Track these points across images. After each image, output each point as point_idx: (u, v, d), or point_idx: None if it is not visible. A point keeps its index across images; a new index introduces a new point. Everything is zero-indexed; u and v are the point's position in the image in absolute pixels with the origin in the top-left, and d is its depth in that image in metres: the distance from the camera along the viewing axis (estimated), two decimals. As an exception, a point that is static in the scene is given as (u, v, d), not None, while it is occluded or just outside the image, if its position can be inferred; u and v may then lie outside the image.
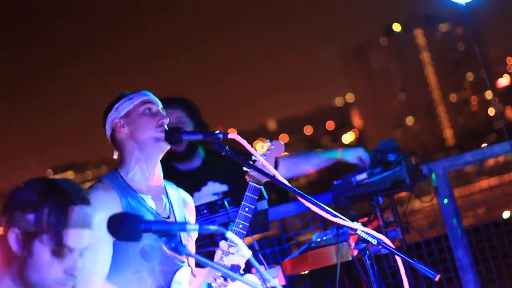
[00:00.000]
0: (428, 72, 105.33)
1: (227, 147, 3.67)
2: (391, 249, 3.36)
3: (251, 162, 3.79)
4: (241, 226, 3.88)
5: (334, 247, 4.67)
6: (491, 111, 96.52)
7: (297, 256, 4.86)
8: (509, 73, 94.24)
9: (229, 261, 3.74)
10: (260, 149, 4.06)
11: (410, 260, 3.33)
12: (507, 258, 6.10)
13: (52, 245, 2.65)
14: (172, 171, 5.20)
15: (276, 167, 5.40)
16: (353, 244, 4.48)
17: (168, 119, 3.79)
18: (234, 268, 3.70)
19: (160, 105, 3.84)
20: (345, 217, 3.39)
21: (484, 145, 6.99)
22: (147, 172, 3.74)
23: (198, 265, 3.80)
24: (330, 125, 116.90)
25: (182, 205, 3.93)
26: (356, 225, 3.39)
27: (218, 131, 3.67)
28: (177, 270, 3.67)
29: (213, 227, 2.50)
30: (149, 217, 3.65)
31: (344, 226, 4.08)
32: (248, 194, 3.97)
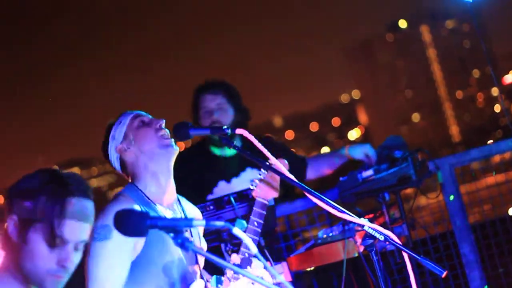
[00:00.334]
0: (434, 69, 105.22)
1: (234, 142, 3.66)
2: (398, 245, 3.35)
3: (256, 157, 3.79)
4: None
5: (341, 244, 4.67)
6: (497, 108, 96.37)
7: (303, 252, 4.86)
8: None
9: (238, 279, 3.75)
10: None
11: (417, 257, 3.33)
12: (513, 254, 6.09)
13: (46, 234, 2.66)
14: (210, 155, 5.19)
15: (305, 170, 5.45)
16: (359, 241, 4.48)
17: (164, 120, 3.76)
18: (245, 261, 3.71)
19: (149, 115, 3.83)
20: (352, 213, 3.38)
21: (490, 141, 6.98)
22: (162, 183, 3.69)
23: (206, 260, 3.80)
24: (336, 121, 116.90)
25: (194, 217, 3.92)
26: (363, 221, 3.38)
27: (225, 127, 3.66)
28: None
29: (219, 223, 2.50)
30: None
31: (350, 222, 4.09)
32: (256, 209, 4.03)
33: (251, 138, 3.58)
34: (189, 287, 3.64)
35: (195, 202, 4.49)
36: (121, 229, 2.51)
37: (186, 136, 3.72)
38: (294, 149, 5.97)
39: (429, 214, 6.53)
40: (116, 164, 3.78)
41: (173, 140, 3.71)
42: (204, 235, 4.17)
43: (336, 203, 3.37)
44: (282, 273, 4.83)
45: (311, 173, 5.47)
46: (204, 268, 3.80)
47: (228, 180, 5.12)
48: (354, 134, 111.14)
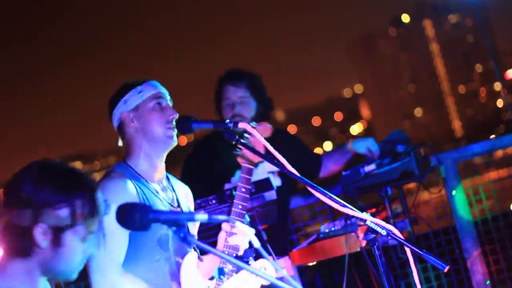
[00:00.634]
0: (437, 64, 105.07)
1: (237, 136, 3.66)
2: (401, 240, 3.35)
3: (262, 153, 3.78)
4: (240, 206, 3.90)
5: (343, 238, 4.66)
6: (500, 103, 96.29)
7: (305, 246, 4.86)
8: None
9: (233, 241, 3.76)
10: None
11: (419, 251, 3.32)
12: (515, 249, 6.09)
13: (83, 233, 2.68)
14: (229, 144, 5.19)
15: (320, 168, 5.44)
16: (361, 235, 4.48)
17: (177, 114, 3.78)
18: (247, 253, 3.72)
19: (168, 97, 3.84)
20: (354, 207, 3.38)
21: (492, 136, 6.97)
22: (155, 163, 3.77)
23: (205, 253, 3.81)
24: (338, 116, 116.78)
25: (185, 196, 3.97)
26: (365, 215, 3.38)
27: (228, 120, 3.67)
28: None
29: (222, 217, 2.51)
30: (162, 207, 3.69)
31: (352, 217, 4.09)
32: (242, 175, 3.98)
33: (254, 132, 3.59)
34: (184, 259, 3.69)
35: (212, 191, 4.50)
36: (124, 223, 2.51)
37: (189, 129, 3.74)
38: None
39: (432, 209, 6.52)
40: (115, 125, 3.83)
41: (175, 132, 3.75)
42: (206, 229, 4.19)
43: (338, 197, 3.36)
44: (285, 268, 4.83)
45: (322, 171, 5.48)
46: None
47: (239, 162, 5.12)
48: (356, 128, 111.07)
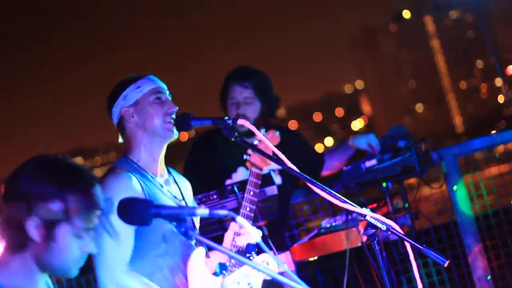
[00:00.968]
0: (438, 59, 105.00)
1: (236, 133, 3.68)
2: (401, 235, 3.36)
3: (257, 146, 3.81)
4: (248, 209, 4.04)
5: (344, 233, 4.67)
6: (501, 98, 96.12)
7: (306, 242, 4.86)
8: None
9: (240, 241, 3.80)
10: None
11: (420, 246, 3.33)
12: (516, 244, 6.09)
13: (77, 228, 2.66)
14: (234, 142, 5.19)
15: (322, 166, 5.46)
16: (362, 230, 4.48)
17: (177, 108, 3.79)
18: (249, 247, 3.73)
19: (168, 91, 3.85)
20: (354, 203, 3.38)
21: (493, 132, 6.97)
22: (155, 156, 3.78)
23: (211, 249, 3.82)
24: (339, 111, 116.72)
25: (188, 189, 3.99)
26: (365, 211, 3.38)
27: (226, 117, 3.69)
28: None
29: (223, 212, 2.50)
30: (168, 201, 3.69)
31: (353, 212, 4.09)
32: (251, 178, 4.10)
33: (253, 129, 3.61)
34: (191, 254, 3.69)
35: (214, 186, 4.53)
36: (125, 218, 2.51)
37: (188, 127, 3.77)
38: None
39: (433, 204, 6.52)
40: (115, 121, 3.84)
41: (175, 126, 3.76)
42: (207, 224, 4.20)
43: (339, 193, 3.37)
44: (285, 263, 4.84)
45: (325, 170, 5.49)
46: None
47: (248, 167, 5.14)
48: (357, 124, 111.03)
